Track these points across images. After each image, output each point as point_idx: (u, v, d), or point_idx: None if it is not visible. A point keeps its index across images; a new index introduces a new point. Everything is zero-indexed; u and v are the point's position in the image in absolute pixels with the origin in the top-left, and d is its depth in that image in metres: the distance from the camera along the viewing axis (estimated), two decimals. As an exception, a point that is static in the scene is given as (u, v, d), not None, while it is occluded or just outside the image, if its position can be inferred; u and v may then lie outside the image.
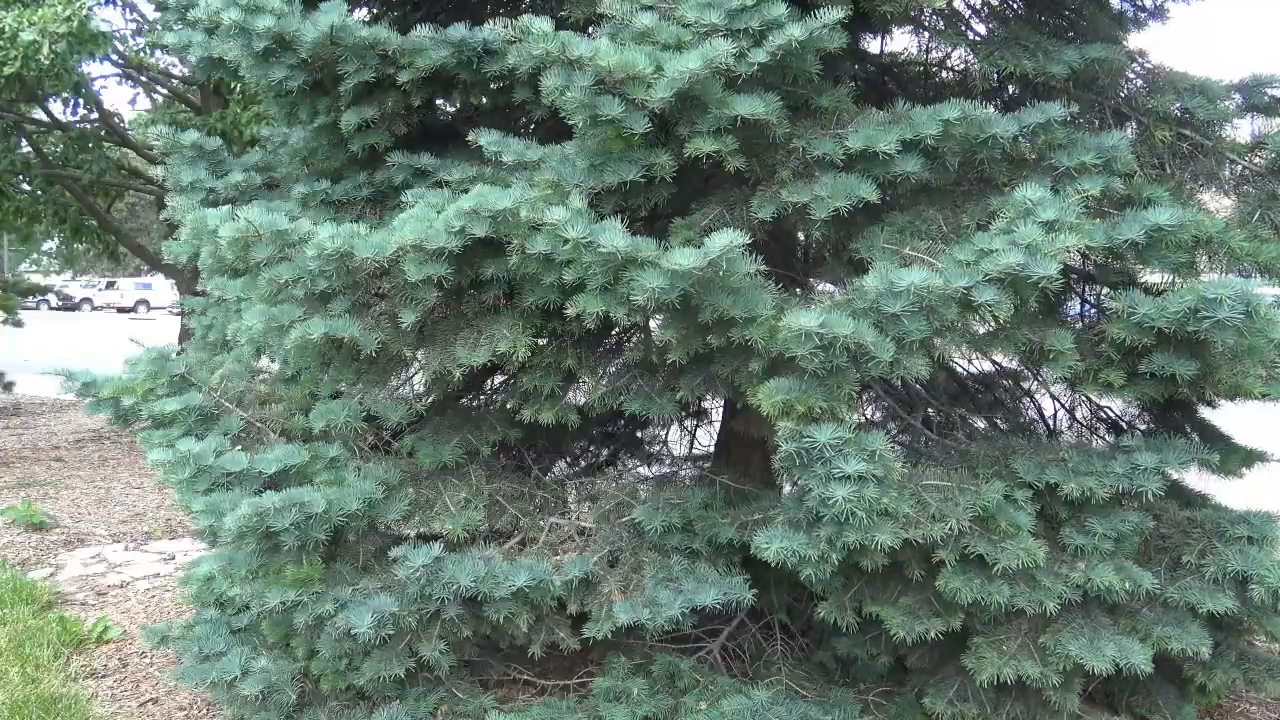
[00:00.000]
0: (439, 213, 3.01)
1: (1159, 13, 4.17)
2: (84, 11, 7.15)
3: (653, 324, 3.43)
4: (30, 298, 18.11)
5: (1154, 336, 2.94)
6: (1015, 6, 4.05)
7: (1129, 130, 3.60)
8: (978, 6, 3.98)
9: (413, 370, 4.00)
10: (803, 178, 3.09)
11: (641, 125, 2.89)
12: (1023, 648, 3.07)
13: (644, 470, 4.86)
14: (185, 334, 10.79)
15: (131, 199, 16.03)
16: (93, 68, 10.84)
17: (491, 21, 3.46)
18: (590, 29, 3.17)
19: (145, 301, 39.00)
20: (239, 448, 3.60)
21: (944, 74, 4.22)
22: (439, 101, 3.93)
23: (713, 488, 3.57)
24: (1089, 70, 3.44)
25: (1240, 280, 2.80)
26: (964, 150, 3.09)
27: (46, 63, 7.19)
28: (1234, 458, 3.51)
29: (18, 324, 12.44)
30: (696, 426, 5.05)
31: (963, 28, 3.86)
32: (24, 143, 10.56)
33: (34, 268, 38.51)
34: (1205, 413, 3.88)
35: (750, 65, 2.89)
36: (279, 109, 3.96)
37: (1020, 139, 3.17)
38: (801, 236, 3.82)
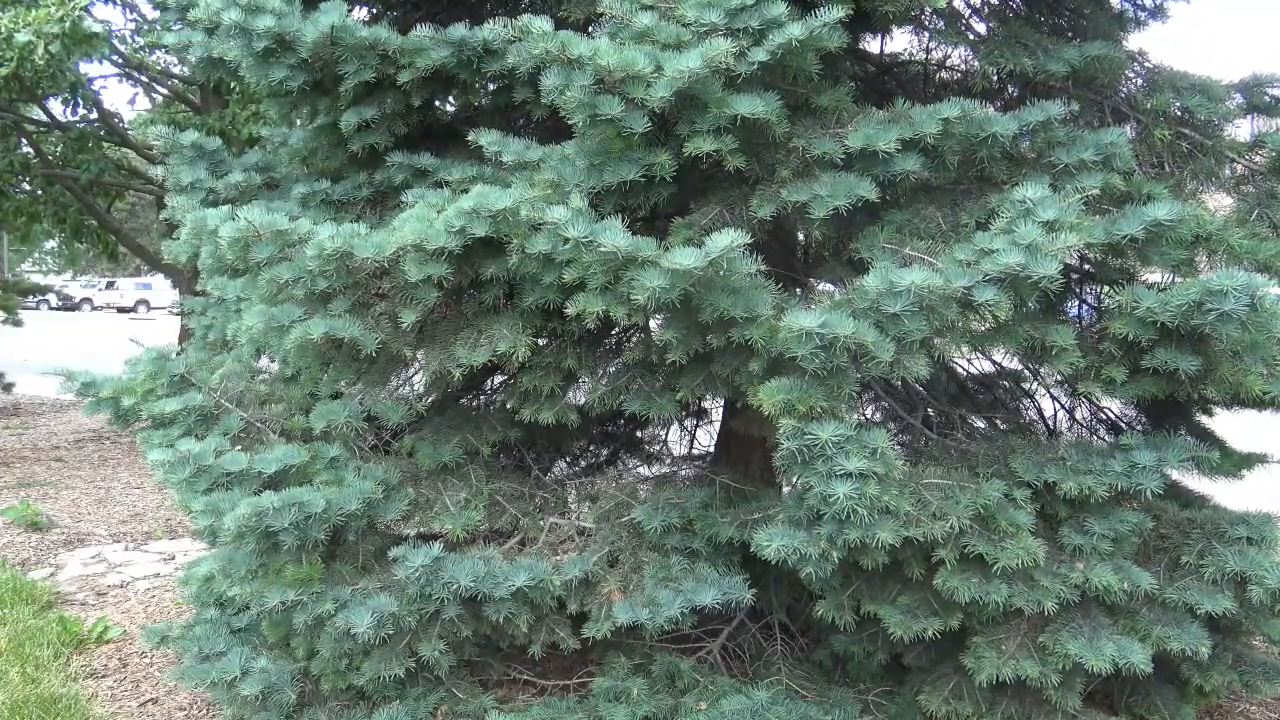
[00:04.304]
0: (439, 213, 3.01)
1: (1159, 12, 4.17)
2: (76, 12, 7.14)
3: (653, 324, 3.43)
4: (30, 298, 18.14)
5: (1157, 331, 2.93)
6: (1015, 5, 4.05)
7: (1129, 129, 3.60)
8: (978, 6, 3.97)
9: (413, 370, 4.01)
10: (802, 177, 3.09)
11: (641, 124, 2.89)
12: (1022, 647, 3.07)
13: (644, 470, 4.86)
14: (185, 334, 10.79)
15: (131, 199, 16.03)
16: (92, 68, 10.88)
17: (491, 21, 3.46)
18: (590, 28, 3.17)
19: (145, 301, 38.99)
20: (239, 448, 3.61)
21: (944, 74, 4.22)
22: (439, 101, 3.93)
23: (712, 487, 3.57)
24: (1089, 69, 3.44)
25: (1244, 273, 2.79)
26: (964, 149, 3.09)
27: (42, 63, 7.20)
28: (1226, 464, 3.51)
29: (18, 324, 12.45)
30: (696, 426, 5.05)
31: (963, 27, 3.86)
32: (24, 143, 10.56)
33: (34, 268, 38.54)
34: (1201, 418, 3.88)
35: (750, 64, 2.89)
36: (279, 109, 3.96)
37: (1020, 137, 3.17)
38: (801, 236, 3.82)
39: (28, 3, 7.56)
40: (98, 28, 7.45)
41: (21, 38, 7.12)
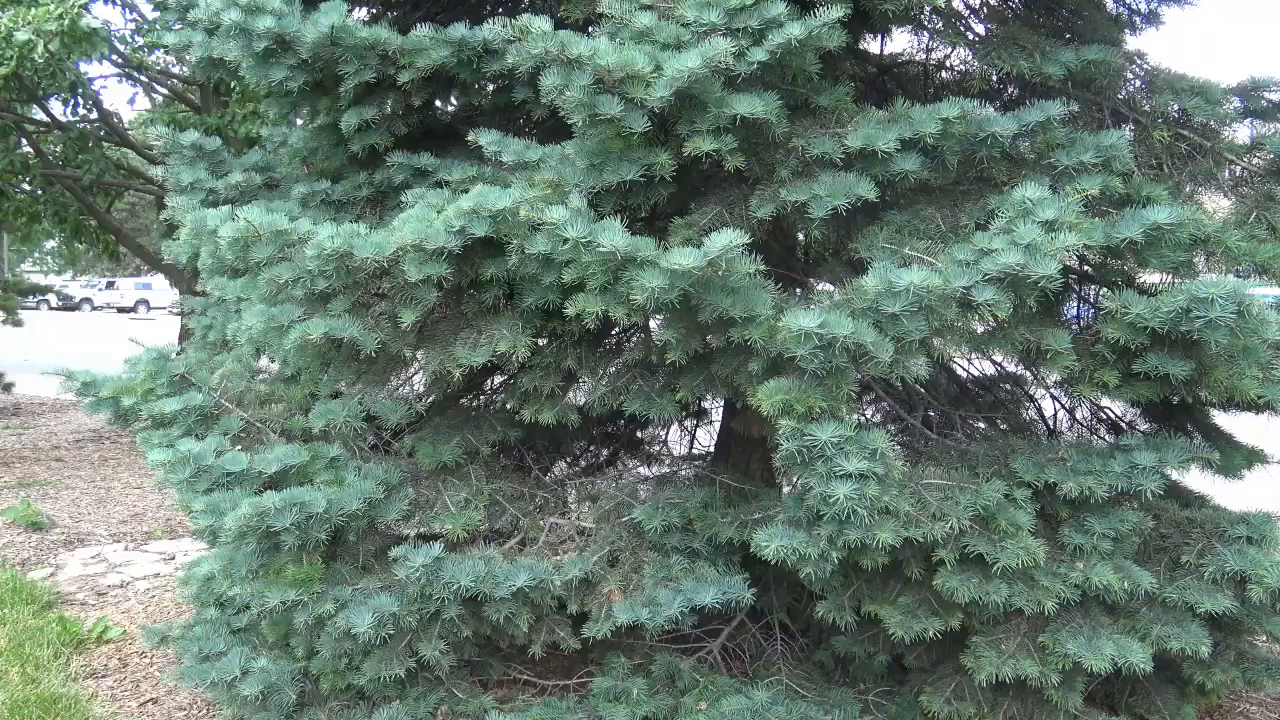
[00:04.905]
0: (439, 213, 3.01)
1: (1152, 18, 4.17)
2: (75, 10, 7.14)
3: (652, 324, 3.43)
4: (30, 298, 18.13)
5: (1148, 337, 2.94)
6: (1014, 6, 4.05)
7: (1127, 131, 3.60)
8: (977, 6, 3.98)
9: (413, 370, 4.01)
10: (802, 177, 3.09)
11: (641, 124, 2.90)
12: (1022, 647, 3.07)
13: (644, 470, 4.86)
14: (185, 334, 10.79)
15: (131, 199, 16.04)
16: (93, 68, 10.87)
17: (491, 21, 3.47)
18: (590, 28, 3.17)
19: (145, 301, 38.98)
20: (239, 448, 3.61)
21: (943, 74, 4.23)
22: (439, 101, 3.94)
23: (712, 487, 3.57)
24: (1086, 71, 3.45)
25: (1233, 280, 2.81)
26: (963, 149, 3.10)
27: (41, 62, 7.20)
28: (1236, 457, 3.51)
29: (18, 324, 12.44)
30: (696, 426, 5.05)
31: (962, 27, 3.86)
32: (24, 143, 10.56)
33: (34, 268, 38.54)
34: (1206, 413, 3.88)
35: (750, 64, 2.89)
36: (279, 109, 3.96)
37: (1020, 138, 3.17)
38: (801, 236, 3.82)
39: (27, 2, 7.56)
40: (96, 24, 7.44)
41: (21, 36, 7.13)
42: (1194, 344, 2.90)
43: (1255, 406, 3.24)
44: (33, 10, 7.25)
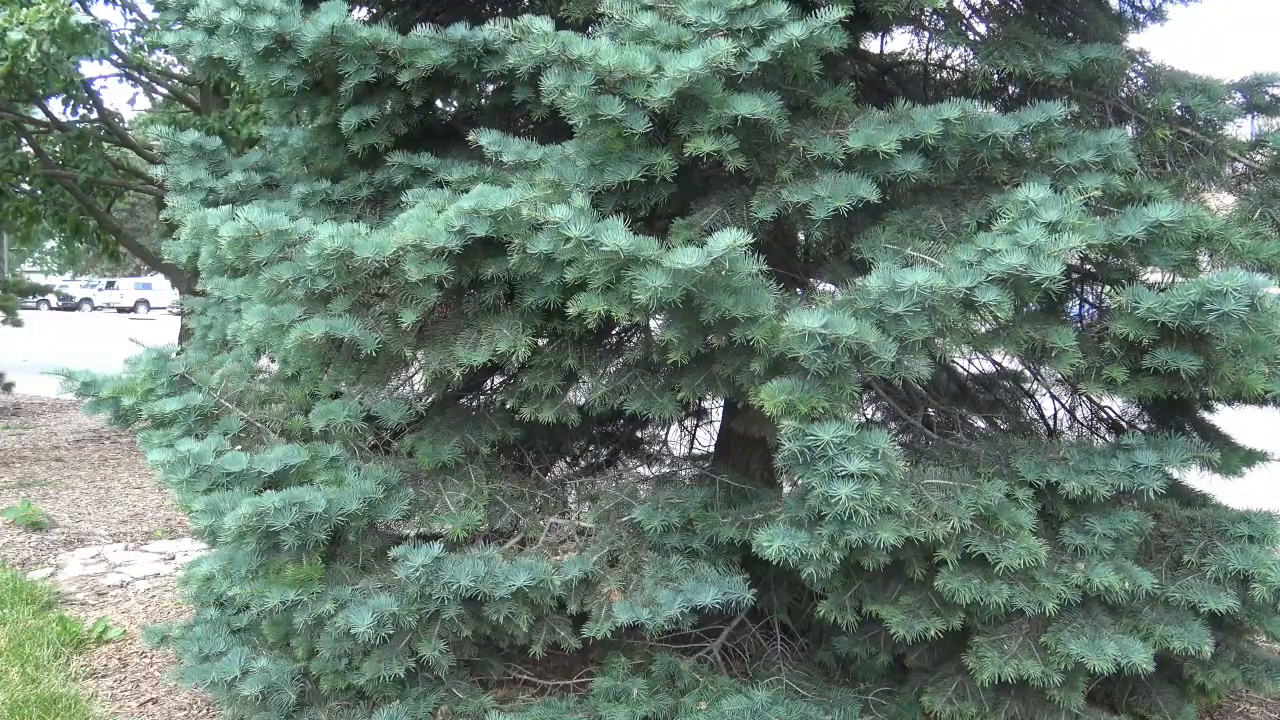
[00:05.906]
0: (439, 212, 3.01)
1: (1157, 14, 4.17)
2: (65, 8, 7.11)
3: (654, 324, 3.43)
4: (30, 298, 18.12)
5: (1158, 331, 2.93)
6: (1015, 6, 4.04)
7: (1129, 129, 3.60)
8: (978, 6, 3.97)
9: (413, 370, 4.00)
10: (803, 177, 3.09)
11: (642, 125, 2.89)
12: (1024, 647, 3.07)
13: (644, 470, 4.86)
14: (185, 334, 10.79)
15: (131, 199, 16.03)
16: (93, 68, 10.90)
17: (492, 21, 3.46)
18: (590, 29, 3.17)
19: (145, 301, 38.98)
20: (239, 448, 3.60)
21: (944, 74, 4.22)
22: (439, 101, 3.93)
23: (713, 487, 3.57)
24: (1088, 70, 3.44)
25: (1244, 273, 2.80)
26: (964, 149, 3.09)
27: (35, 61, 7.17)
28: (1234, 457, 3.51)
29: (17, 324, 12.43)
30: (696, 426, 5.05)
31: (963, 27, 3.85)
32: (24, 143, 10.55)
33: (34, 268, 38.53)
34: (1204, 414, 3.88)
35: (750, 65, 2.89)
36: (279, 109, 3.96)
37: (1020, 138, 3.17)
38: (802, 236, 3.82)
39: (19, 0, 7.54)
40: (87, 20, 7.40)
41: (14, 36, 7.10)
42: (1202, 339, 2.89)
43: (1260, 401, 3.24)
44: (25, 10, 7.23)
